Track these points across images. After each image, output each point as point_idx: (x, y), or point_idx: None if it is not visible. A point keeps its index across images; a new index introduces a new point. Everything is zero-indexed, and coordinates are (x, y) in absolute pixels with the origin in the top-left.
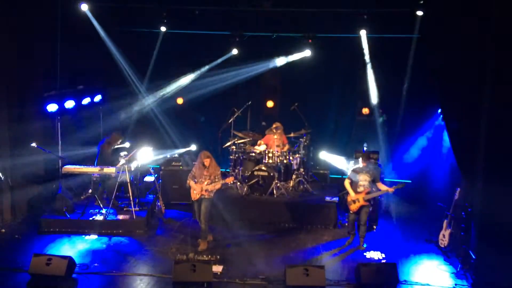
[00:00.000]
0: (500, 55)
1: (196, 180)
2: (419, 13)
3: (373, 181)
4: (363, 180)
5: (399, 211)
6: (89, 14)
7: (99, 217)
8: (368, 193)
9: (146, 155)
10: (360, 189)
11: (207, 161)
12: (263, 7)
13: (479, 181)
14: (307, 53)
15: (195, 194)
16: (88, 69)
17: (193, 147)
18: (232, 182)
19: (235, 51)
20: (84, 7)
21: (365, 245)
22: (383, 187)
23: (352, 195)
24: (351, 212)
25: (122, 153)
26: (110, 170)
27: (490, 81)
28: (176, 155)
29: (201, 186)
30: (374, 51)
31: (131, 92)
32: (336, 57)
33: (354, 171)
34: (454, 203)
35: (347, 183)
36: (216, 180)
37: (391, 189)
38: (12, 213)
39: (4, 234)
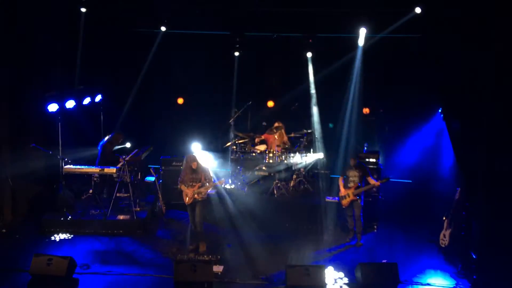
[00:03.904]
0: (500, 54)
1: (186, 184)
2: (418, 10)
3: (362, 176)
4: (353, 176)
5: (399, 211)
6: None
7: (99, 217)
8: (357, 188)
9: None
10: (350, 184)
11: (194, 164)
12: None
13: (480, 181)
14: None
15: (187, 199)
16: (89, 68)
17: (196, 146)
18: (223, 183)
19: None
20: (83, 10)
21: (361, 242)
22: (371, 181)
23: (342, 190)
24: (343, 207)
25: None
26: (111, 170)
27: (491, 80)
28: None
29: (193, 190)
30: (374, 50)
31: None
32: (336, 56)
33: (344, 168)
34: (454, 203)
35: (339, 180)
36: (207, 180)
37: (377, 183)
38: (13, 213)
39: (5, 234)
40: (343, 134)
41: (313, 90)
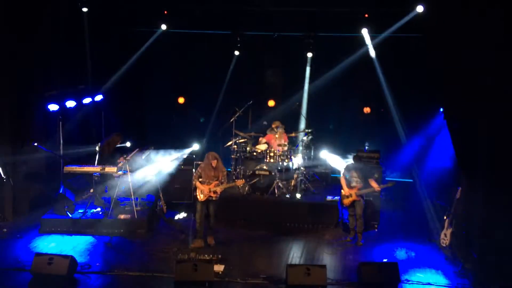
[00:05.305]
0: (500, 54)
1: (202, 181)
2: (419, 9)
3: (365, 178)
4: (356, 176)
5: (400, 210)
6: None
7: (100, 217)
8: (360, 189)
9: (147, 159)
10: (353, 184)
11: (214, 162)
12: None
13: (481, 180)
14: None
15: (202, 196)
16: (89, 68)
17: (196, 147)
18: (242, 184)
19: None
20: (84, 9)
21: (362, 242)
22: (373, 185)
23: (345, 190)
24: (344, 206)
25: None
26: (111, 169)
27: (492, 80)
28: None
29: (209, 188)
30: (375, 50)
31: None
32: (337, 56)
33: (347, 167)
34: (455, 202)
35: (342, 179)
36: (223, 181)
37: (378, 188)
38: (14, 213)
39: (6, 233)
40: (344, 133)
41: (309, 91)
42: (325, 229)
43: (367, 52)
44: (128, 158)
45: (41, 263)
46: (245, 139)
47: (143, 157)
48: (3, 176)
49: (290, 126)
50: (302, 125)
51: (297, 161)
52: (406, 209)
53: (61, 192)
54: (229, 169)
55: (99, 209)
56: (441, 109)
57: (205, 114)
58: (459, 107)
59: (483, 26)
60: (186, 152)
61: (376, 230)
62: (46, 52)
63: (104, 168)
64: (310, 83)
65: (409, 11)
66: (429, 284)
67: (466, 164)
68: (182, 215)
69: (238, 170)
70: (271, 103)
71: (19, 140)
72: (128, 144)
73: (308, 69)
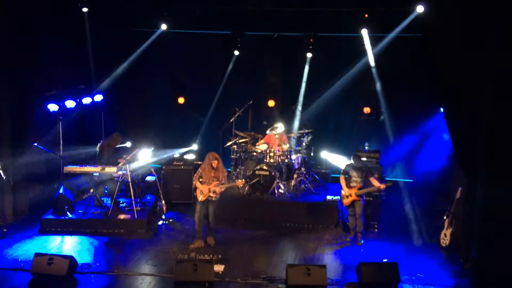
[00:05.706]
0: (500, 54)
1: (202, 181)
2: (420, 9)
3: (365, 177)
4: (356, 175)
5: (400, 210)
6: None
7: (100, 217)
8: (360, 188)
9: (145, 157)
10: (353, 184)
11: (215, 163)
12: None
13: (481, 180)
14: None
15: (202, 196)
16: (89, 68)
17: (195, 147)
18: (242, 185)
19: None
20: (85, 10)
21: (362, 241)
22: (375, 183)
23: (345, 190)
24: (344, 206)
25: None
26: (111, 169)
27: (492, 79)
28: (178, 155)
29: (209, 188)
30: (375, 50)
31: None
32: (337, 56)
33: (347, 167)
34: (455, 202)
35: (341, 179)
36: (223, 181)
37: (382, 186)
38: (14, 213)
39: (6, 233)
40: (344, 133)
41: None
42: (325, 229)
43: (367, 52)
44: (128, 158)
45: (41, 263)
46: (245, 139)
47: (143, 157)
48: (3, 176)
49: (290, 126)
50: (300, 122)
51: (297, 161)
52: (406, 209)
53: (61, 192)
54: (229, 169)
55: (99, 209)
56: (441, 109)
57: (205, 114)
58: (459, 107)
59: (483, 26)
60: (181, 151)
61: (376, 230)
62: (46, 52)
63: (104, 168)
64: (309, 82)
65: (409, 11)
66: (429, 284)
67: (466, 164)
68: (181, 215)
69: (238, 170)
70: (271, 103)
71: (19, 140)
72: (128, 144)
73: (307, 68)
